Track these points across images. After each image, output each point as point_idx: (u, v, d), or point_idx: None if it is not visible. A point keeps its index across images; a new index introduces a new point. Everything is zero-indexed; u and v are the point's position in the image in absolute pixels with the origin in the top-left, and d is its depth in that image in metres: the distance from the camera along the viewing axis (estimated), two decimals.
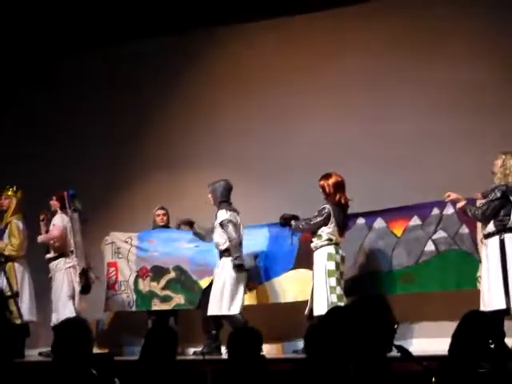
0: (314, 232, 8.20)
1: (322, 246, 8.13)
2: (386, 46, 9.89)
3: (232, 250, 8.47)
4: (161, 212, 9.83)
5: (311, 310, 8.07)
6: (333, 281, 8.00)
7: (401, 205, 8.68)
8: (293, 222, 8.35)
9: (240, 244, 8.53)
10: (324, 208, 8.13)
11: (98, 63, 11.43)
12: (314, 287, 8.11)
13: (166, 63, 11.08)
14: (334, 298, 7.93)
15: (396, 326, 3.70)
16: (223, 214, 8.56)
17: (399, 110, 9.66)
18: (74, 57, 11.53)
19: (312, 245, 8.22)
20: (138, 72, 11.17)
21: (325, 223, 8.11)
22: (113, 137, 11.18)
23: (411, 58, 9.72)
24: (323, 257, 8.09)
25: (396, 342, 3.81)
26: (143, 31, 11.14)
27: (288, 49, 10.47)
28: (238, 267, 8.44)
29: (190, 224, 9.10)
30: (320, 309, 7.86)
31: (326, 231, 8.13)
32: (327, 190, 8.18)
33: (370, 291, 8.33)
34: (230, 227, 8.47)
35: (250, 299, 9.11)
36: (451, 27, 9.65)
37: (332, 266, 8.05)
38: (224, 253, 8.57)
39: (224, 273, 8.52)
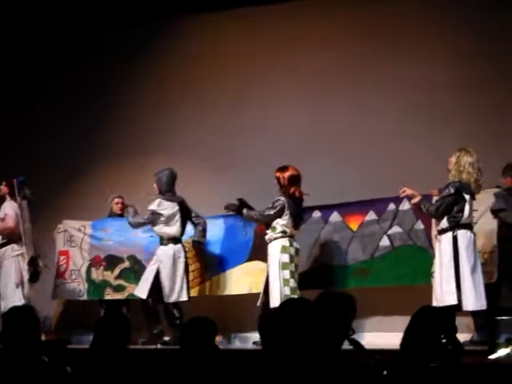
0: (268, 224, 8.19)
1: (276, 239, 8.12)
2: (355, 41, 9.96)
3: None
4: (119, 200, 9.85)
5: (264, 303, 8.07)
6: (286, 273, 8.00)
7: (357, 199, 8.73)
8: (245, 211, 8.32)
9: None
10: (278, 200, 8.11)
11: (63, 51, 11.40)
12: (269, 280, 8.10)
13: (125, 53, 11.10)
14: (287, 291, 7.92)
15: (351, 333, 3.76)
16: (154, 205, 8.68)
17: (362, 106, 9.73)
18: (37, 45, 11.48)
19: (266, 237, 8.20)
20: (100, 61, 11.19)
21: (279, 215, 8.10)
22: (69, 125, 11.13)
23: (379, 53, 9.80)
24: (277, 249, 8.07)
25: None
26: (102, 22, 11.13)
27: (251, 39, 10.53)
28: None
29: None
30: (274, 301, 7.87)
31: (280, 223, 8.11)
32: (282, 181, 8.17)
33: (325, 285, 8.34)
34: (146, 216, 8.67)
35: (203, 290, 9.12)
36: (419, 26, 9.75)
37: (286, 258, 8.05)
38: (162, 240, 8.72)
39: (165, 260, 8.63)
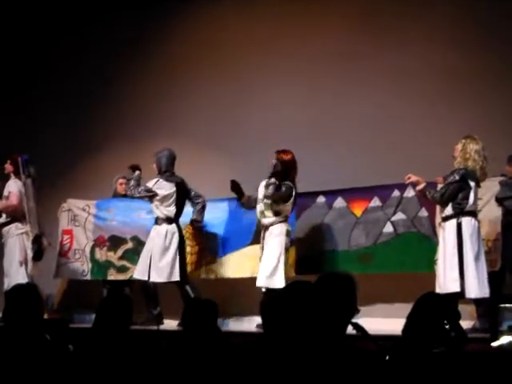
0: (268, 207, 8.19)
1: (279, 222, 8.16)
2: (357, 28, 9.93)
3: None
4: (123, 181, 9.79)
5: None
6: (286, 257, 8.12)
7: (362, 185, 8.73)
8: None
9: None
10: (287, 184, 8.12)
11: (66, 37, 11.40)
12: (267, 261, 8.11)
13: (126, 36, 11.08)
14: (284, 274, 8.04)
15: (356, 313, 3.75)
16: (151, 183, 8.68)
17: (365, 91, 9.71)
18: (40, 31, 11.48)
19: (267, 220, 8.21)
20: (102, 45, 11.20)
21: (285, 200, 8.13)
22: (74, 105, 11.16)
23: (377, 41, 9.79)
24: (281, 232, 8.14)
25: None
26: (99, 8, 11.13)
27: (252, 25, 10.54)
28: None
29: (134, 168, 8.99)
30: (278, 283, 7.88)
31: (285, 208, 8.17)
32: (284, 164, 8.16)
33: (327, 270, 8.33)
34: (142, 192, 8.66)
35: (205, 273, 9.13)
36: (419, 12, 9.71)
37: (288, 242, 8.17)
38: (157, 220, 8.73)
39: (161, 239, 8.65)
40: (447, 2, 9.61)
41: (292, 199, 8.17)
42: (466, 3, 9.48)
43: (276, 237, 8.13)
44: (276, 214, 8.18)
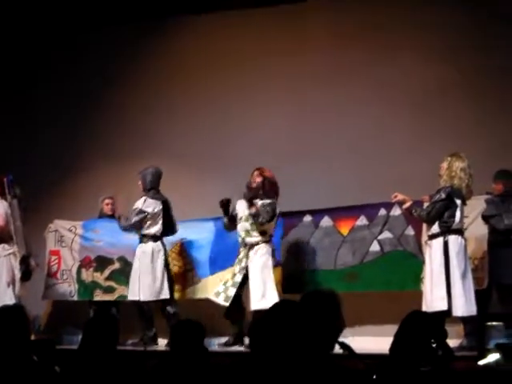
0: (254, 227, 8.18)
1: (264, 242, 8.19)
2: (340, 44, 9.98)
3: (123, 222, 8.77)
4: (109, 201, 9.81)
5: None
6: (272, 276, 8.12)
7: (347, 204, 8.74)
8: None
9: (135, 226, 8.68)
10: (273, 203, 8.13)
11: (53, 52, 11.41)
12: (258, 283, 8.09)
13: (114, 54, 11.11)
14: None
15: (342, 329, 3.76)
16: (139, 202, 8.67)
17: (353, 108, 9.75)
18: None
19: (253, 240, 8.21)
20: (89, 62, 11.22)
21: (271, 219, 8.14)
22: (60, 124, 11.14)
23: (367, 55, 9.83)
24: (267, 252, 8.17)
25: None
26: (89, 23, 11.13)
27: (240, 43, 10.53)
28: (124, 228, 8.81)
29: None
30: (271, 303, 7.85)
31: (270, 227, 8.21)
32: (269, 183, 8.19)
33: (314, 289, 8.32)
34: (134, 216, 8.64)
35: (192, 293, 9.10)
36: (408, 27, 9.77)
37: (274, 261, 8.20)
38: (143, 238, 8.71)
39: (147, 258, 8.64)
40: (436, 18, 9.64)
41: (276, 217, 8.19)
42: (456, 20, 9.51)
43: (262, 256, 8.14)
44: (262, 233, 8.19)
